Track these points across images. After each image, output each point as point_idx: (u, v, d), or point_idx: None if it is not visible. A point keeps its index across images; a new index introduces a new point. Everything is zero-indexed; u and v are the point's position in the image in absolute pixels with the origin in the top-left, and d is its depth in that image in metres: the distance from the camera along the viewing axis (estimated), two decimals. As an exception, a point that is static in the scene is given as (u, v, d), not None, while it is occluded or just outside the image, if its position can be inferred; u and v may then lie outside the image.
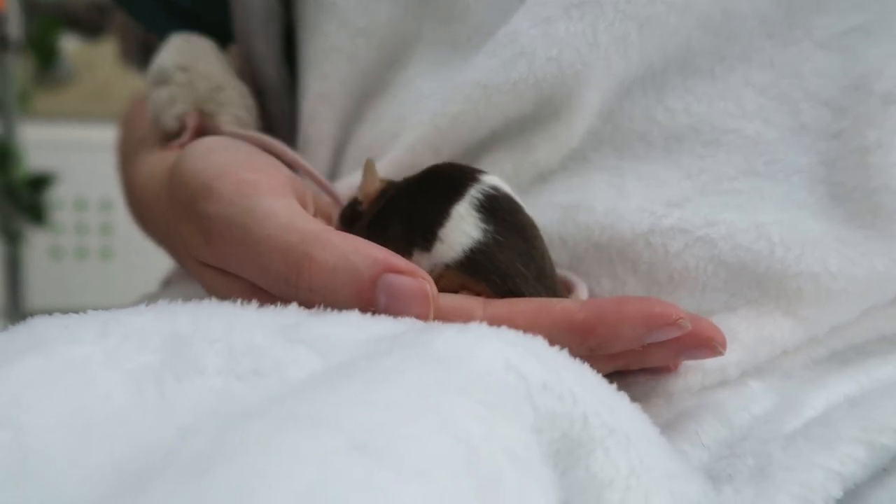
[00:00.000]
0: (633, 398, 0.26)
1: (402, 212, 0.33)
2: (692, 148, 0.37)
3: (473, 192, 0.32)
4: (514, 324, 0.28)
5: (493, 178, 0.33)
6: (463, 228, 0.32)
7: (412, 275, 0.27)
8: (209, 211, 0.30)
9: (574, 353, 0.27)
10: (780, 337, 0.34)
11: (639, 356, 0.30)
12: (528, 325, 0.28)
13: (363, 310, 0.27)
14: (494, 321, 0.28)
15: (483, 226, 0.31)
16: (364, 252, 0.27)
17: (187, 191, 0.32)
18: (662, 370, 0.34)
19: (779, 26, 0.37)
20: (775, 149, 0.36)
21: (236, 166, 0.31)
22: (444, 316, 0.28)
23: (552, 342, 0.26)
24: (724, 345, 0.29)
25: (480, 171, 0.33)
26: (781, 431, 0.30)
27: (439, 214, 0.32)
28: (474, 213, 0.32)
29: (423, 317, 0.27)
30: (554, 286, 0.33)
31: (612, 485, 0.22)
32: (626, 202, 0.36)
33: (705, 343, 0.29)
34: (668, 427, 0.32)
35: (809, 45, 0.37)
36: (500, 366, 0.23)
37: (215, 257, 0.31)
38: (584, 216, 0.36)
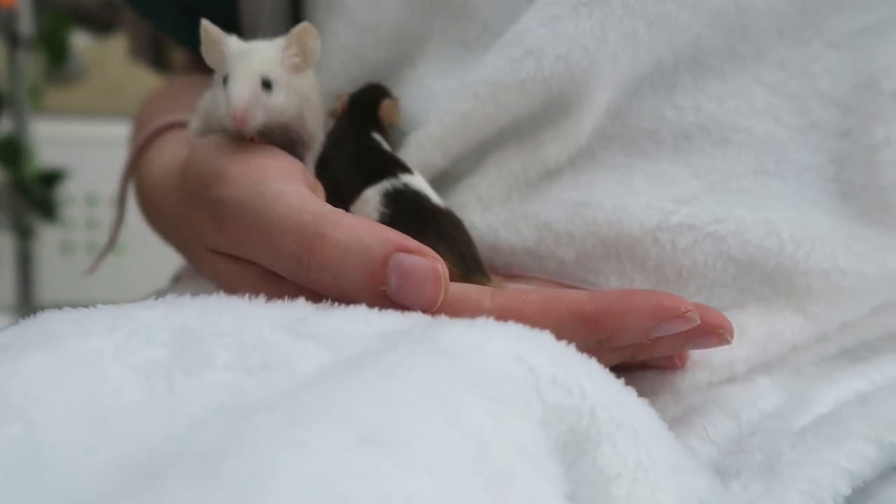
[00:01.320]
0: (641, 394, 0.26)
1: (335, 176, 0.36)
2: (701, 147, 0.37)
3: (386, 183, 0.35)
4: (522, 314, 0.28)
5: (412, 179, 0.35)
6: (365, 210, 0.34)
7: (423, 255, 0.27)
8: (222, 195, 0.31)
9: (582, 346, 0.27)
10: (790, 334, 0.34)
11: (647, 347, 0.30)
12: (536, 316, 0.28)
13: (374, 291, 0.27)
14: (502, 311, 0.28)
15: (381, 209, 0.34)
16: (376, 232, 0.28)
17: (200, 178, 0.32)
18: (669, 366, 0.34)
19: (791, 25, 0.37)
20: (785, 148, 0.36)
21: (247, 154, 0.32)
22: (452, 305, 0.28)
23: (560, 334, 0.26)
24: (731, 333, 0.29)
25: (405, 170, 0.36)
26: (790, 428, 0.30)
27: (354, 193, 0.35)
28: (378, 198, 0.34)
29: (434, 297, 0.27)
30: (469, 268, 0.34)
31: (619, 478, 0.22)
32: (634, 199, 0.36)
33: (713, 331, 0.29)
34: (676, 422, 0.32)
35: (820, 44, 0.37)
36: (509, 358, 0.23)
37: (227, 242, 0.31)
38: (592, 213, 0.36)
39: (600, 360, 0.30)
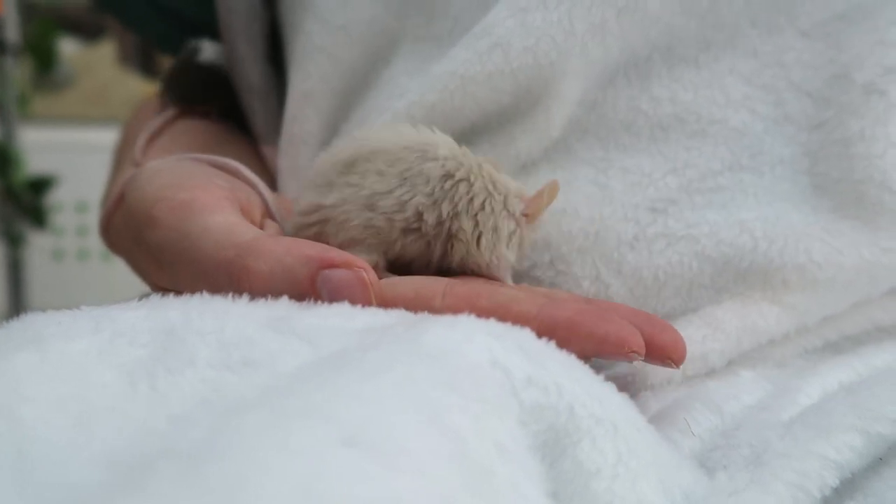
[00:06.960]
0: (619, 388, 0.26)
1: None
2: (678, 139, 0.36)
3: None
4: None
5: None
6: None
7: (348, 266, 0.28)
8: (154, 240, 0.31)
9: None
10: (765, 325, 0.34)
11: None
12: None
13: None
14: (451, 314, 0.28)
15: None
16: (297, 252, 0.28)
17: (134, 221, 0.33)
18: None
19: (764, 12, 0.37)
20: (760, 140, 0.36)
21: (173, 188, 0.32)
22: (405, 304, 0.29)
23: None
24: (680, 358, 0.28)
25: None
26: (778, 419, 0.30)
27: None
28: None
29: (365, 304, 0.28)
30: None
31: (600, 473, 0.22)
32: (610, 207, 0.36)
33: (658, 357, 0.28)
34: (658, 418, 0.32)
35: (793, 33, 0.36)
36: (486, 361, 0.23)
37: (170, 282, 0.32)
38: (569, 223, 0.36)
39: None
